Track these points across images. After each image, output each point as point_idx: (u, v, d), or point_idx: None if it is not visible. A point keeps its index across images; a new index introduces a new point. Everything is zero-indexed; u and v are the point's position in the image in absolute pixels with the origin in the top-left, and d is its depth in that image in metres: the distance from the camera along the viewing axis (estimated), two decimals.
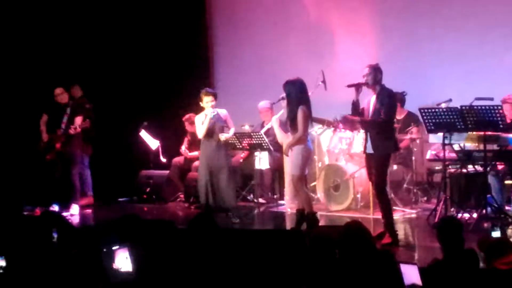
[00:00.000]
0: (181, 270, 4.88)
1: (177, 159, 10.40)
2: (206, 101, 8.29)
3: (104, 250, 4.81)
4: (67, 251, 4.98)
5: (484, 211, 7.52)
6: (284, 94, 7.65)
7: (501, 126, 7.28)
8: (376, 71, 7.01)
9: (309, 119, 7.61)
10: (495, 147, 7.62)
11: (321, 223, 7.90)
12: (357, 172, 8.84)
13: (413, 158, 9.12)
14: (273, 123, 8.02)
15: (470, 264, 4.58)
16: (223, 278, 4.77)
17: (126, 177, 10.52)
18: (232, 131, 8.51)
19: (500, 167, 8.01)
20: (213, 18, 11.71)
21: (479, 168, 7.77)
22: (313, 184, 9.43)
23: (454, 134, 7.52)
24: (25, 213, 8.88)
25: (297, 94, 7.51)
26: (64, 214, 8.74)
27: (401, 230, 7.72)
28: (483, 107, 7.29)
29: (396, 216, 7.90)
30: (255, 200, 9.55)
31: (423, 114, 7.62)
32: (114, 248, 4.81)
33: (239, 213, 8.58)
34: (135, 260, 4.88)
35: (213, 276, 4.78)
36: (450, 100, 8.37)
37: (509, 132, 7.51)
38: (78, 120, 9.24)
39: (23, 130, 10.00)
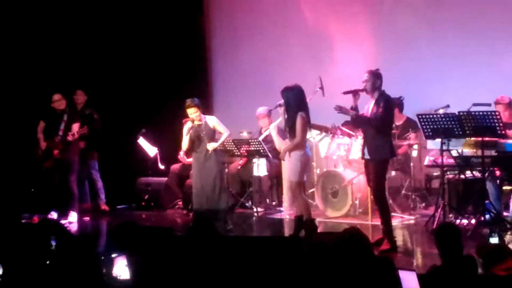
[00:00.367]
0: (180, 278, 4.87)
1: (175, 166, 10.40)
2: (190, 113, 8.15)
3: (103, 257, 4.81)
4: (65, 259, 4.97)
5: (482, 217, 7.52)
6: (282, 101, 7.66)
7: (499, 131, 7.29)
8: (375, 77, 7.02)
9: (308, 125, 7.62)
10: (493, 153, 7.62)
11: (320, 229, 7.90)
12: (355, 179, 8.84)
13: (411, 164, 9.12)
14: (271, 130, 8.02)
15: (469, 271, 4.58)
16: (221, 285, 4.76)
17: (124, 184, 10.52)
18: (224, 135, 8.35)
19: (498, 173, 8.01)
20: (211, 24, 11.72)
21: (477, 174, 7.77)
22: (311, 190, 9.43)
23: (452, 140, 7.53)
24: (23, 220, 8.86)
25: (295, 100, 7.51)
26: (63, 221, 8.75)
27: (400, 236, 7.73)
28: (481, 113, 7.30)
29: (395, 222, 7.90)
30: (254, 207, 9.54)
31: (421, 120, 7.63)
32: (113, 255, 4.80)
33: (230, 217, 8.56)
34: (133, 267, 4.87)
35: (211, 283, 4.78)
36: (448, 106, 8.39)
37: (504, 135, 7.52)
38: (76, 127, 9.23)
39: (20, 137, 9.99)
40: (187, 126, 8.25)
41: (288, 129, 7.56)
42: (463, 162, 7.86)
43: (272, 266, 4.94)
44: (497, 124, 7.24)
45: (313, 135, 9.23)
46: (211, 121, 8.28)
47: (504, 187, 8.17)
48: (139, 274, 4.86)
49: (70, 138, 9.12)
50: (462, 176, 8.07)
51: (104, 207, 10.11)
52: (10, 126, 10.21)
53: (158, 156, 10.66)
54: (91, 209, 10.03)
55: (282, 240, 6.73)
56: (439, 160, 7.89)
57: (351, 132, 9.02)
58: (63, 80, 10.21)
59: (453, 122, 7.40)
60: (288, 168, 7.78)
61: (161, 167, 10.63)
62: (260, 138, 9.05)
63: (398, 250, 7.03)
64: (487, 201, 7.61)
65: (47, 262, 4.96)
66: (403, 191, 9.25)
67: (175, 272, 4.89)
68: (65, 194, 9.35)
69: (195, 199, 8.30)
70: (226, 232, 7.98)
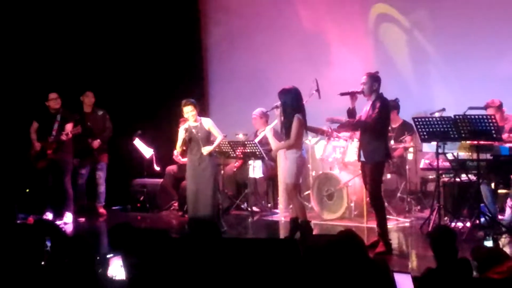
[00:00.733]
0: (175, 279, 4.87)
1: (171, 168, 10.39)
2: (186, 112, 8.09)
3: (98, 258, 4.80)
4: (60, 260, 4.96)
5: (477, 220, 7.54)
6: (278, 103, 7.67)
7: (494, 135, 7.30)
8: (372, 80, 7.03)
9: (304, 128, 7.63)
10: (488, 156, 7.64)
11: (315, 232, 7.91)
12: (351, 181, 8.85)
13: (407, 167, 9.14)
14: (267, 133, 8.01)
15: (464, 273, 4.58)
16: (216, 287, 4.76)
17: (120, 186, 10.51)
18: (219, 139, 8.34)
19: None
20: (207, 26, 11.72)
21: (472, 177, 7.79)
22: (307, 193, 9.44)
23: (447, 143, 7.55)
24: (18, 221, 8.83)
25: (292, 102, 7.52)
26: (58, 222, 8.73)
27: (395, 239, 7.73)
28: (476, 117, 7.32)
29: (390, 225, 7.91)
30: (249, 209, 9.55)
31: (417, 123, 7.64)
32: (108, 256, 4.80)
33: (224, 219, 8.56)
34: (128, 268, 4.87)
35: (207, 285, 4.78)
36: (444, 109, 8.40)
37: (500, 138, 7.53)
38: (69, 126, 9.23)
39: (13, 138, 9.95)
40: (183, 127, 8.22)
41: (285, 131, 7.57)
42: (459, 166, 7.87)
43: (268, 268, 4.94)
44: (492, 128, 7.26)
45: (309, 138, 9.24)
46: (207, 123, 8.25)
47: (499, 191, 8.18)
48: (134, 275, 4.85)
49: (64, 137, 9.12)
50: (458, 179, 8.08)
51: (102, 210, 10.07)
52: (3, 126, 10.17)
53: (154, 158, 10.65)
54: (87, 208, 9.95)
55: (278, 242, 6.72)
56: (435, 163, 7.91)
57: (345, 134, 9.01)
58: (55, 81, 10.16)
59: (448, 126, 7.42)
60: (284, 170, 7.79)
61: (157, 168, 10.63)
62: (256, 140, 9.05)
63: (393, 252, 7.05)
64: (482, 205, 7.62)
65: (42, 263, 4.95)
66: (398, 194, 9.27)
67: (170, 274, 4.89)
68: (60, 194, 9.34)
69: (189, 205, 8.26)
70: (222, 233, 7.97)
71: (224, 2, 11.60)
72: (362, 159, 7.11)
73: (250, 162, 9.27)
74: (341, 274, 4.51)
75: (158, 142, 10.80)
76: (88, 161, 9.89)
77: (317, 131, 9.12)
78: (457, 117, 7.40)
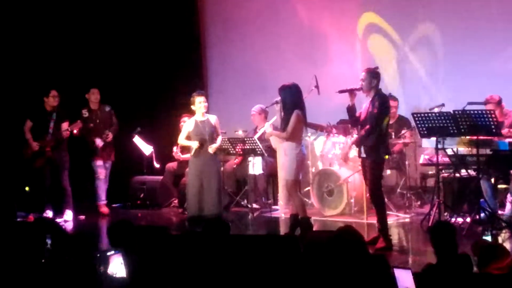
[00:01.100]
0: (175, 276, 4.87)
1: (171, 165, 10.39)
2: (199, 102, 8.18)
3: (98, 255, 4.80)
4: (60, 257, 4.96)
5: (477, 215, 7.54)
6: (277, 99, 7.68)
7: (493, 130, 7.30)
8: (371, 76, 7.02)
9: (303, 124, 7.63)
10: (488, 151, 7.64)
11: (315, 228, 7.91)
12: (350, 177, 8.85)
13: (407, 162, 9.14)
14: (267, 129, 8.02)
15: (464, 269, 4.59)
16: (216, 283, 4.76)
17: (119, 183, 10.50)
18: (219, 140, 8.42)
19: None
20: (205, 24, 11.71)
21: (472, 172, 7.79)
22: (306, 189, 9.44)
23: (447, 138, 7.54)
24: (19, 219, 8.84)
25: (292, 99, 7.53)
26: (58, 220, 8.74)
27: (395, 235, 7.74)
28: (476, 112, 7.32)
29: (390, 220, 7.91)
30: (249, 206, 9.54)
31: (416, 119, 7.64)
32: (108, 253, 4.80)
33: (225, 217, 8.58)
34: (129, 266, 4.87)
35: (207, 281, 4.78)
36: (443, 104, 8.39)
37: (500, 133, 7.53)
38: (65, 125, 9.23)
39: (10, 136, 9.91)
40: (190, 121, 8.24)
41: (284, 127, 7.57)
42: (458, 161, 7.87)
43: (268, 265, 4.95)
44: (491, 123, 7.26)
45: (308, 134, 9.24)
46: (213, 119, 8.35)
47: (499, 186, 8.18)
48: (135, 272, 4.86)
49: (64, 134, 9.12)
50: (457, 175, 8.08)
51: (105, 209, 10.05)
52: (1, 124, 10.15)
53: (154, 155, 10.65)
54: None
55: (278, 239, 6.74)
56: (434, 159, 7.91)
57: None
58: (51, 79, 10.13)
59: (448, 121, 7.41)
60: (284, 166, 7.79)
61: (157, 165, 10.62)
62: (256, 137, 9.05)
63: (393, 248, 7.05)
64: (482, 200, 7.63)
65: (43, 261, 4.95)
66: (398, 190, 9.27)
67: (171, 271, 4.90)
68: (59, 192, 9.35)
69: (193, 202, 8.26)
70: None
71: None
72: (363, 155, 7.12)
73: (250, 158, 9.26)
74: (341, 270, 4.52)
75: (157, 139, 10.80)
76: (105, 157, 9.84)
77: (317, 128, 9.13)
78: (456, 112, 7.40)
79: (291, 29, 10.88)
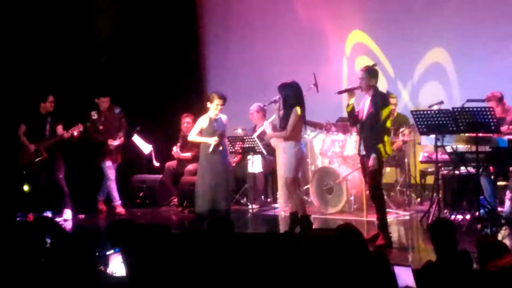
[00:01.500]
0: (175, 274, 4.87)
1: (170, 164, 10.38)
2: (217, 104, 8.20)
3: (97, 254, 4.81)
4: (60, 257, 4.96)
5: (476, 212, 7.54)
6: (276, 97, 7.68)
7: (492, 127, 7.30)
8: (369, 75, 7.01)
9: (303, 122, 7.63)
10: (487, 148, 7.64)
11: (315, 226, 7.92)
12: (350, 175, 8.85)
13: (406, 160, 9.14)
14: (266, 127, 8.01)
15: (464, 266, 4.59)
16: (216, 281, 4.77)
17: (119, 182, 10.49)
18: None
19: (492, 168, 8.02)
20: (204, 23, 11.71)
21: (471, 169, 7.79)
22: (306, 187, 9.44)
23: (446, 136, 7.54)
24: (18, 218, 8.84)
25: (292, 97, 7.53)
26: (57, 219, 8.73)
27: (395, 232, 7.74)
28: (475, 109, 7.32)
29: (390, 218, 7.91)
30: (249, 204, 9.55)
31: (415, 116, 7.64)
32: (108, 253, 4.80)
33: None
34: (128, 265, 4.87)
35: (207, 279, 4.78)
36: (442, 102, 8.40)
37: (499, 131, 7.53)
38: (60, 127, 9.24)
39: (7, 137, 9.88)
40: (204, 118, 8.25)
41: (284, 125, 7.56)
42: (458, 158, 7.87)
43: (267, 263, 4.95)
44: (491, 120, 7.26)
45: (307, 132, 9.24)
46: (224, 118, 8.42)
47: (499, 183, 8.18)
48: (135, 271, 4.86)
49: (65, 136, 9.15)
50: (457, 172, 8.08)
51: (102, 207, 10.05)
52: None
53: (153, 154, 10.64)
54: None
55: (277, 237, 6.74)
56: (434, 156, 7.91)
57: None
58: (48, 82, 10.09)
59: (447, 118, 7.41)
60: (283, 164, 7.79)
61: (156, 164, 10.61)
62: (255, 135, 9.05)
63: (393, 245, 7.05)
64: (481, 197, 7.63)
65: (42, 260, 4.95)
66: (397, 187, 9.27)
67: (171, 269, 4.90)
68: (57, 192, 9.35)
69: (205, 200, 8.25)
70: None
71: None
72: (362, 152, 7.11)
73: (249, 157, 9.27)
74: (341, 268, 4.52)
75: (157, 138, 10.78)
76: (114, 158, 9.85)
77: (315, 125, 9.13)
78: (455, 109, 7.40)
79: (290, 27, 10.86)
